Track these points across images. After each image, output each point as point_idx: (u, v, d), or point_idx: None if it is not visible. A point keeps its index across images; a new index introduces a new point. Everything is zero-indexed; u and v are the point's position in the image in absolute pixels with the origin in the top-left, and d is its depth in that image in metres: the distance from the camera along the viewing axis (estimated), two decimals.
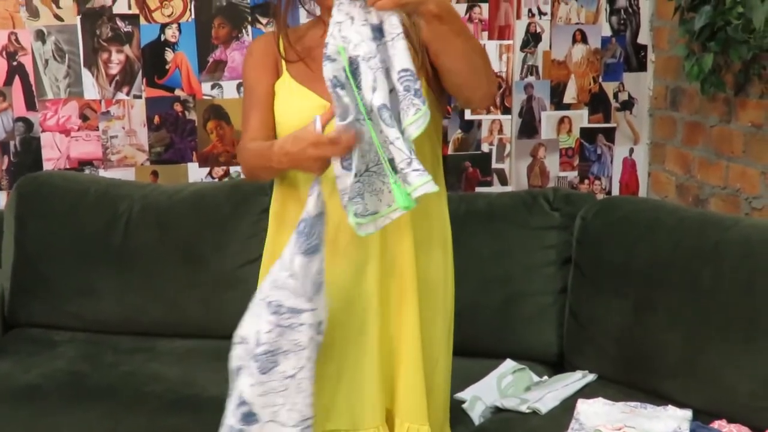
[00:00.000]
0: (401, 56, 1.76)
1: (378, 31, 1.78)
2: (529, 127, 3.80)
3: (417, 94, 1.76)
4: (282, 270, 1.92)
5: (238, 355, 1.99)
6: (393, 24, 1.77)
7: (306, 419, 1.95)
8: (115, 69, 3.52)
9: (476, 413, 2.70)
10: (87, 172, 3.56)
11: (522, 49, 3.73)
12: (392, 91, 1.79)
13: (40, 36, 3.46)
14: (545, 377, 2.92)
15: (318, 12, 2.20)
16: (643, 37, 3.80)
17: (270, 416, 1.95)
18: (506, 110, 3.76)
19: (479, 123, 3.74)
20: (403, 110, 1.77)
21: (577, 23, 3.75)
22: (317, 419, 2.00)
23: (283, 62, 2.12)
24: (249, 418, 1.95)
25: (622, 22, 3.78)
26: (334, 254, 2.01)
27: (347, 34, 1.79)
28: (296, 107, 2.06)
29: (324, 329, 1.98)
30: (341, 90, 1.79)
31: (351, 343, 2.09)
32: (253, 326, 1.96)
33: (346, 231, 1.95)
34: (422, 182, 1.76)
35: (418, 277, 2.09)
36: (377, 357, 2.09)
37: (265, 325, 1.92)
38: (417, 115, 1.76)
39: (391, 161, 1.80)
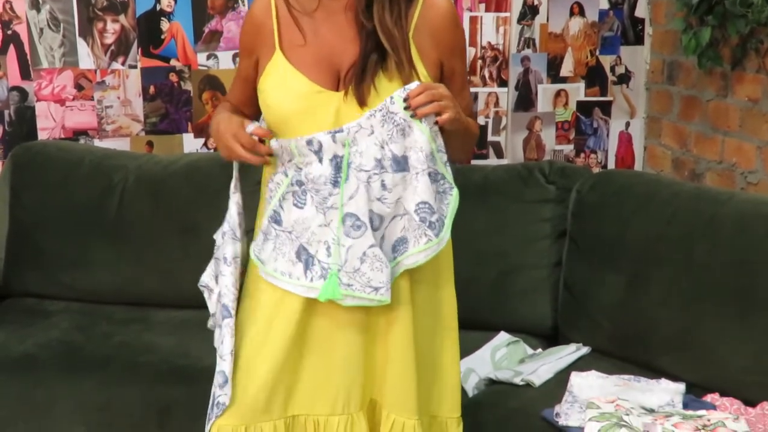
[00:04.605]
0: (423, 189, 1.87)
1: (395, 162, 1.88)
2: (525, 100, 3.79)
3: (431, 227, 1.89)
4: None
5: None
6: (420, 159, 1.87)
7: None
8: (110, 38, 3.50)
9: (470, 385, 2.71)
10: (82, 141, 3.55)
11: (519, 21, 3.72)
12: (371, 211, 1.89)
13: (35, 4, 3.43)
14: (539, 350, 2.93)
15: None
16: (641, 11, 3.79)
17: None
18: (502, 83, 3.75)
19: (475, 96, 3.72)
20: (414, 238, 1.90)
21: None
22: (280, 399, 2.03)
23: (276, 38, 2.00)
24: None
25: None
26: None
27: (359, 138, 1.89)
28: (291, 94, 1.97)
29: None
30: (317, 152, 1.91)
31: (323, 328, 2.02)
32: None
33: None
34: (345, 294, 1.89)
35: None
36: (354, 344, 2.02)
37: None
38: (428, 245, 1.90)
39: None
